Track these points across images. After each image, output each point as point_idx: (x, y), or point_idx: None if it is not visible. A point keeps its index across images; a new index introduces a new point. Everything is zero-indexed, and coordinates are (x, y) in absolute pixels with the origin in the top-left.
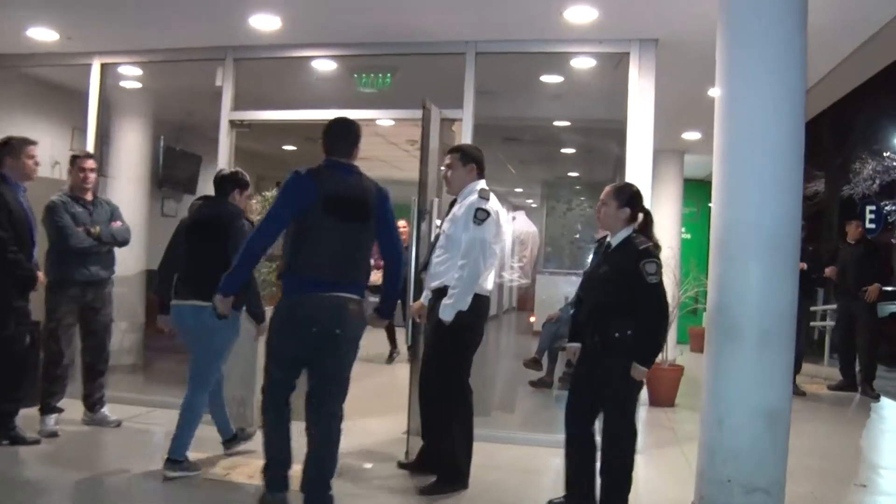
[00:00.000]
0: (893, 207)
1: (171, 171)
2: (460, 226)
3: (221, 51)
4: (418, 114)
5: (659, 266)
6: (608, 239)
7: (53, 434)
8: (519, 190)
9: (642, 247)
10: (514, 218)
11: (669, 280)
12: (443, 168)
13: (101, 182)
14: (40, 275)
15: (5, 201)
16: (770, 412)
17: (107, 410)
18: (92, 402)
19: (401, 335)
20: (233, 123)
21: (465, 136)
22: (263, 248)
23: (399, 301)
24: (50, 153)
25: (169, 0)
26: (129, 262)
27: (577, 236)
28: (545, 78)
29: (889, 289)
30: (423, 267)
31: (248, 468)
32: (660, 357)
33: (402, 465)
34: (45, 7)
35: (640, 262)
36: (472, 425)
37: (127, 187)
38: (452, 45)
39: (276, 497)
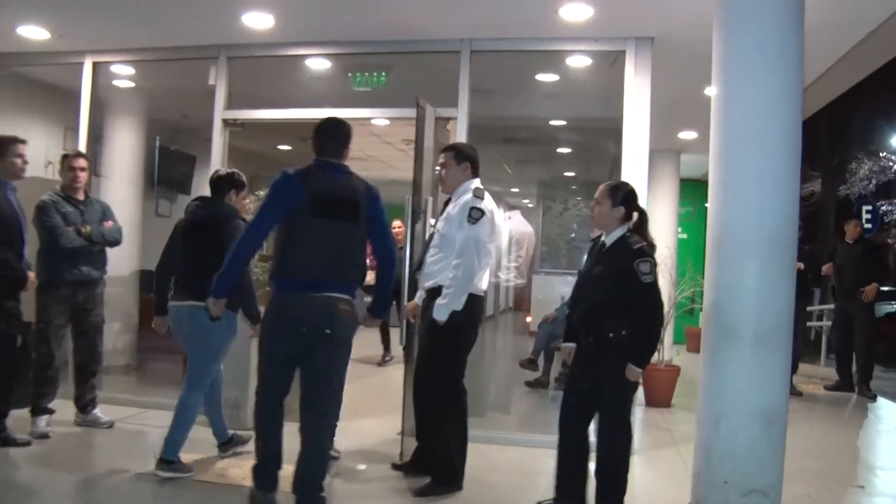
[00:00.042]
0: (890, 207)
1: (165, 171)
2: (455, 225)
3: (214, 49)
4: (413, 112)
5: (653, 266)
6: (602, 238)
7: (44, 435)
8: (515, 190)
9: (636, 246)
10: (509, 217)
11: (666, 280)
12: (437, 167)
13: (94, 182)
14: (31, 275)
15: None
16: (767, 413)
17: (99, 411)
18: (83, 404)
19: (396, 336)
20: (226, 122)
21: (459, 135)
22: (252, 250)
23: (394, 301)
24: (43, 153)
25: None
26: (123, 263)
27: (573, 236)
28: (541, 77)
29: (886, 289)
30: (418, 266)
31: (241, 470)
32: (656, 357)
33: (396, 467)
34: (36, 5)
35: (634, 261)
36: (466, 426)
37: (120, 187)
38: (447, 43)
39: (266, 497)
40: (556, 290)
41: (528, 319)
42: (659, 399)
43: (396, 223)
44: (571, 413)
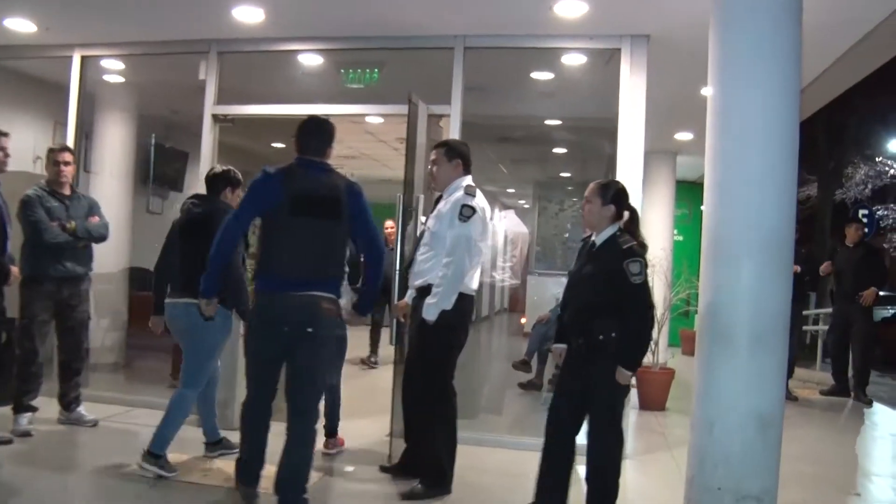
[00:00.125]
0: (886, 213)
1: (158, 168)
2: (445, 223)
3: (205, 44)
4: (405, 109)
5: (644, 266)
6: (593, 238)
7: (27, 433)
8: (511, 190)
9: (626, 246)
10: (504, 217)
11: (661, 282)
12: (428, 164)
13: (83, 178)
14: (14, 270)
15: None
16: (762, 417)
17: (83, 409)
18: (68, 401)
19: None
20: (216, 118)
21: (452, 133)
22: (231, 248)
23: (385, 300)
24: (31, 147)
25: None
26: (113, 259)
27: (567, 236)
28: (535, 75)
29: (883, 293)
30: (408, 265)
31: (226, 472)
32: (651, 360)
33: (384, 469)
34: None
35: (624, 261)
36: (455, 427)
37: (110, 183)
38: (440, 39)
39: (247, 492)
40: (551, 291)
41: (523, 321)
42: (653, 402)
43: (389, 223)
44: (560, 415)
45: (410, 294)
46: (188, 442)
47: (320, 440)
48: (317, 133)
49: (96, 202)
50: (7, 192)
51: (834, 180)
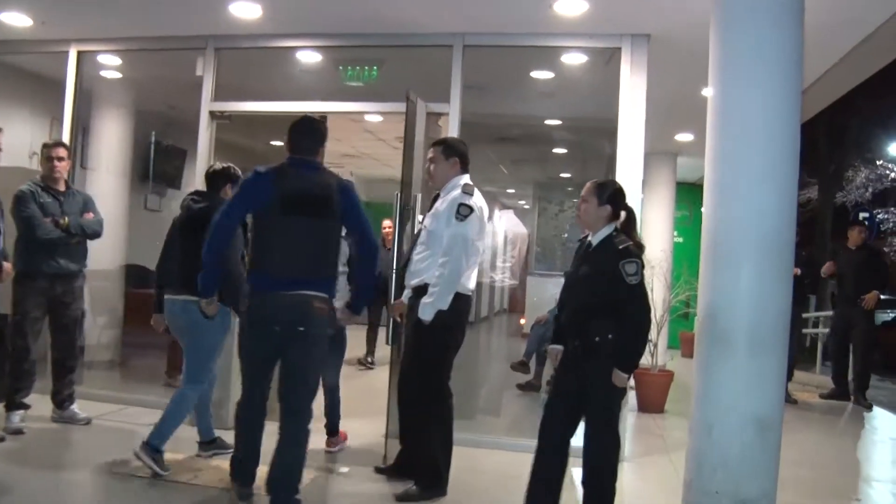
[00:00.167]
0: (886, 216)
1: (155, 164)
2: (442, 222)
3: (202, 40)
4: (404, 107)
5: (640, 266)
6: (589, 238)
7: (19, 431)
8: (511, 190)
9: (622, 246)
10: (502, 217)
11: (661, 284)
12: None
13: (80, 174)
14: (7, 265)
15: None
16: (761, 420)
17: (76, 407)
18: (61, 399)
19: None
20: (213, 115)
21: (451, 131)
22: (223, 246)
23: (382, 300)
24: (28, 143)
25: None
26: (109, 256)
27: (566, 236)
28: (535, 74)
29: (884, 297)
30: (404, 264)
31: (218, 472)
32: (650, 362)
33: (379, 470)
34: None
35: (620, 262)
36: (451, 428)
37: (107, 179)
38: (440, 37)
39: (242, 491)
40: (551, 291)
41: (522, 321)
42: (652, 404)
43: (386, 223)
44: (555, 416)
45: (407, 294)
46: (182, 441)
47: (315, 440)
48: (309, 132)
49: (91, 198)
50: (2, 188)
51: (834, 183)
